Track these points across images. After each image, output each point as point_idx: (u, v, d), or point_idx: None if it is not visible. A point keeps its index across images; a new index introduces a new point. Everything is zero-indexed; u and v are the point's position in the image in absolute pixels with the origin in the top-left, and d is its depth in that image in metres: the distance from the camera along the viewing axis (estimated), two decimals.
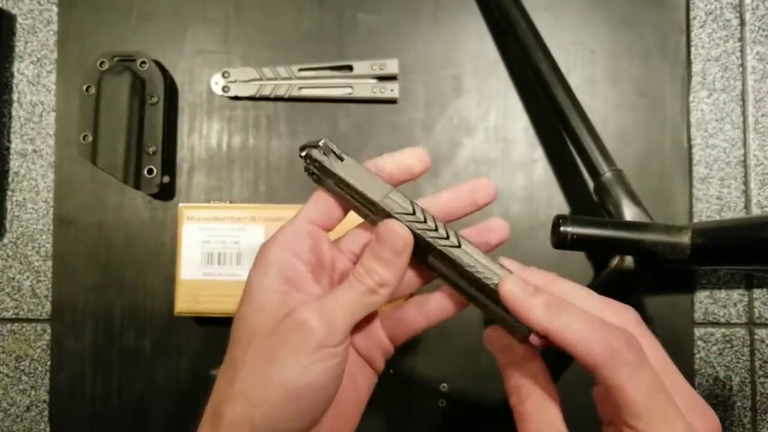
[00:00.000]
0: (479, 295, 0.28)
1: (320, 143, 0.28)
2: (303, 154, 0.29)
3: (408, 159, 0.29)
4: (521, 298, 0.26)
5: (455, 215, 0.30)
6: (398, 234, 0.27)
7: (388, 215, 0.28)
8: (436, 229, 0.28)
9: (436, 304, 0.30)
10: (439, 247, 0.27)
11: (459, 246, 0.27)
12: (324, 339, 0.25)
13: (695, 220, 0.53)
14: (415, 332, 0.31)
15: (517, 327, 0.27)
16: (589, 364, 0.24)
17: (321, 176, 0.29)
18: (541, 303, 0.25)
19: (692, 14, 0.55)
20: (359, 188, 0.28)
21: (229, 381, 0.26)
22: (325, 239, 0.29)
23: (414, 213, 0.28)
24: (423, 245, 0.28)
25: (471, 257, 0.27)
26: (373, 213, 0.28)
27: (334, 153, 0.28)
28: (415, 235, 0.28)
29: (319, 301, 0.26)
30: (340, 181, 0.28)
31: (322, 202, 0.29)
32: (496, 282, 0.27)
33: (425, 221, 0.28)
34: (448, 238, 0.27)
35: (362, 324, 0.30)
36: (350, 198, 0.28)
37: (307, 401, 0.26)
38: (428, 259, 0.28)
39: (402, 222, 0.27)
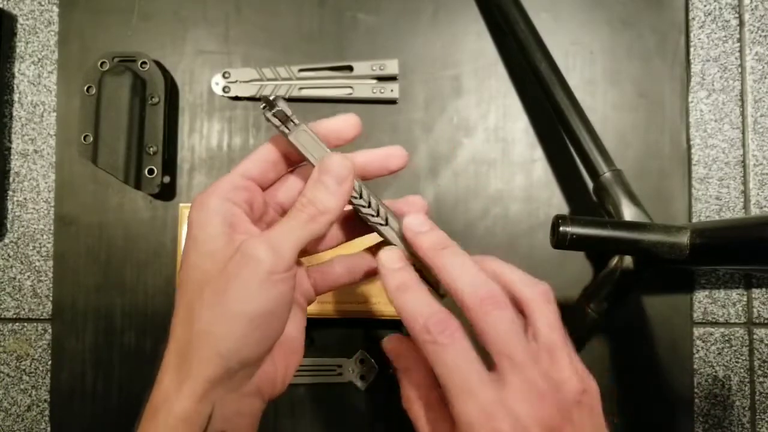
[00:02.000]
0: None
1: (277, 107, 0.30)
2: (263, 111, 0.31)
3: (337, 124, 0.31)
4: (414, 232, 0.30)
5: (367, 177, 0.32)
6: (342, 163, 0.29)
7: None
8: (360, 197, 0.31)
9: (361, 261, 0.33)
10: (367, 219, 0.31)
11: (386, 224, 0.31)
12: (272, 266, 0.27)
13: (694, 220, 0.53)
14: (337, 284, 0.34)
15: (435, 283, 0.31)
16: (458, 303, 0.28)
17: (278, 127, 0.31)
18: (430, 239, 0.30)
19: (691, 15, 0.55)
20: (303, 152, 0.30)
21: (188, 324, 0.28)
22: (258, 193, 0.31)
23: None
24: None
25: (393, 232, 0.31)
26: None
27: (287, 116, 0.30)
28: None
29: (264, 234, 0.28)
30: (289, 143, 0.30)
31: (260, 160, 0.31)
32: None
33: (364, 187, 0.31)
34: (374, 209, 0.31)
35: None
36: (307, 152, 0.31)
37: (265, 326, 0.28)
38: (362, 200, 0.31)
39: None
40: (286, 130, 0.30)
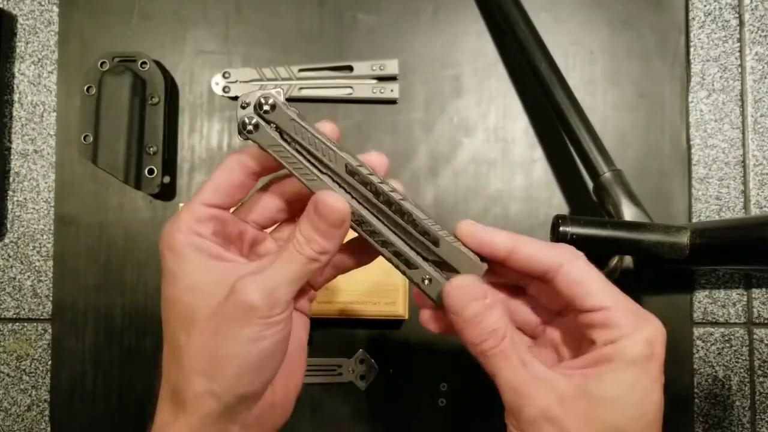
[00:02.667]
0: (412, 253, 0.29)
1: (280, 101, 0.28)
2: (256, 101, 0.28)
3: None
4: (482, 228, 0.28)
5: None
6: (335, 207, 0.27)
7: (336, 174, 0.28)
8: (385, 183, 0.28)
9: (346, 256, 0.31)
10: (390, 197, 0.28)
11: (405, 198, 0.28)
12: (268, 312, 0.26)
13: (694, 220, 0.53)
14: (329, 279, 0.32)
15: (441, 277, 0.29)
16: (553, 264, 0.28)
17: (262, 131, 0.28)
18: (500, 231, 0.29)
19: (691, 15, 0.55)
20: (314, 147, 0.28)
21: (179, 362, 0.27)
22: (228, 218, 0.29)
23: (362, 166, 0.28)
24: (369, 202, 0.28)
25: (420, 209, 0.28)
26: (321, 171, 0.28)
27: (287, 106, 0.28)
28: (362, 192, 0.28)
29: (259, 275, 0.27)
30: (292, 139, 0.28)
31: (222, 186, 0.29)
32: (438, 232, 0.28)
33: (373, 174, 0.28)
34: (395, 190, 0.28)
35: None
36: (293, 156, 0.28)
37: (260, 368, 0.27)
38: (366, 223, 0.29)
39: (346, 182, 0.28)
40: (281, 145, 0.28)
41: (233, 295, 0.26)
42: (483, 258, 0.29)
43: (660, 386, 0.27)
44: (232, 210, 0.30)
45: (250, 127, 0.28)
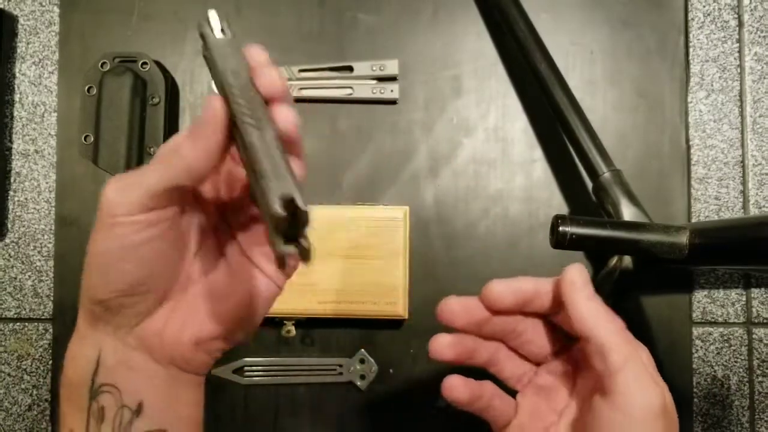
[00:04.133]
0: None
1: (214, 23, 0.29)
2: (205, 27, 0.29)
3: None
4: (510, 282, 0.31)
5: None
6: (210, 104, 0.27)
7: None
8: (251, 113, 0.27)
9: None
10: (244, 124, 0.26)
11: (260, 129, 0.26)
12: (114, 208, 0.26)
13: (693, 220, 0.54)
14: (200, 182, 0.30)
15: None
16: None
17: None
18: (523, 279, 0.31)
19: (691, 15, 0.55)
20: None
21: None
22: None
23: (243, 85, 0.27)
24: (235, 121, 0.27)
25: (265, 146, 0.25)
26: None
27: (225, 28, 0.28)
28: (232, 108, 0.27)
29: (121, 178, 0.27)
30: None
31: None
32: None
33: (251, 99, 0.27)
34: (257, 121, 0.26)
35: (249, 230, 0.31)
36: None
37: (113, 266, 0.27)
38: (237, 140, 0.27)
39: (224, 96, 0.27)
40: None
41: (102, 194, 0.27)
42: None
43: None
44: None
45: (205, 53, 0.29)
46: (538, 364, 0.34)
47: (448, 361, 0.32)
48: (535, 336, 0.32)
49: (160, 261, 0.28)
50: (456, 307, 0.31)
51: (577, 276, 0.29)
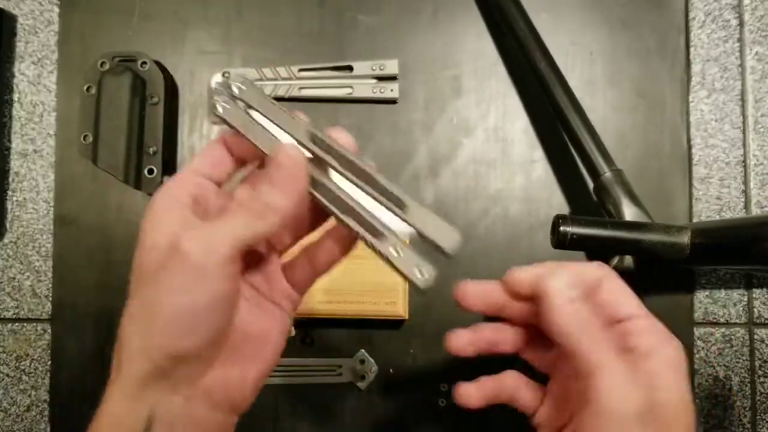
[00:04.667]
0: (379, 223, 0.27)
1: (239, 83, 0.29)
2: (225, 83, 0.29)
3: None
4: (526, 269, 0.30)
5: None
6: (291, 155, 0.27)
7: (302, 144, 0.28)
8: (345, 150, 0.28)
9: (324, 250, 0.31)
10: (353, 162, 0.27)
11: (369, 166, 0.27)
12: (201, 261, 0.26)
13: (695, 220, 0.53)
14: (310, 279, 0.31)
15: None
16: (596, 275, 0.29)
17: (232, 110, 0.29)
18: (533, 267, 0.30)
19: (691, 15, 0.55)
20: (281, 121, 0.28)
21: (125, 326, 0.27)
22: (210, 189, 0.29)
23: (323, 133, 0.28)
24: (332, 169, 0.28)
25: (385, 178, 0.27)
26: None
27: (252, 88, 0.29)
28: (326, 161, 0.28)
29: (202, 228, 0.27)
30: (259, 113, 0.29)
31: (212, 154, 0.30)
32: (404, 196, 0.27)
33: (335, 142, 0.28)
34: (357, 157, 0.28)
35: (263, 269, 0.31)
36: (262, 132, 0.28)
37: (192, 324, 0.26)
38: (327, 190, 0.28)
39: (304, 147, 0.28)
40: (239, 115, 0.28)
41: (174, 246, 0.26)
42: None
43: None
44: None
45: (219, 109, 0.29)
46: None
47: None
48: None
49: (235, 308, 0.29)
50: (471, 291, 0.31)
51: (553, 283, 0.29)
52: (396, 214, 0.27)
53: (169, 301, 0.26)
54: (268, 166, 0.27)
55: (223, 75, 0.54)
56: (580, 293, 0.29)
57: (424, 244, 0.27)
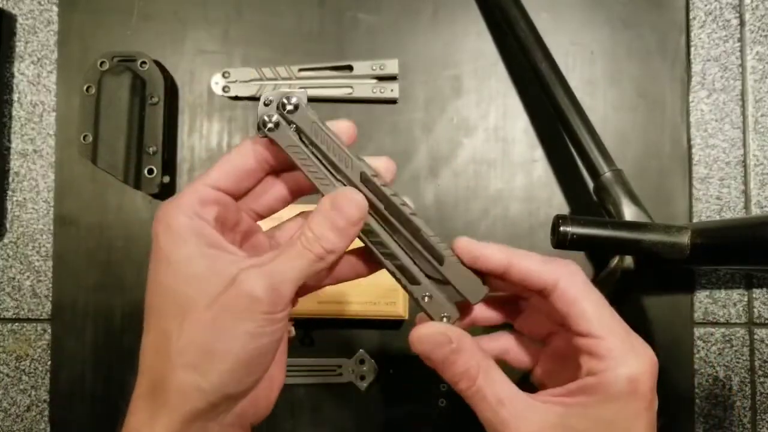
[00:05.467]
0: (415, 269, 0.29)
1: (303, 102, 0.28)
2: (280, 100, 0.28)
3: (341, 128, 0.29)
4: (478, 244, 0.28)
5: None
6: (356, 201, 0.27)
7: (350, 181, 0.28)
8: (396, 196, 0.28)
9: (346, 265, 0.30)
10: (401, 210, 0.28)
11: (415, 214, 0.28)
12: (271, 308, 0.25)
13: (695, 220, 0.53)
14: (324, 285, 0.31)
15: (446, 300, 0.29)
16: (549, 281, 0.27)
17: (282, 130, 0.28)
18: (496, 246, 0.28)
19: (692, 14, 0.55)
20: (332, 152, 0.28)
21: (164, 354, 0.26)
22: (230, 204, 0.28)
23: (376, 176, 0.28)
24: (379, 213, 0.28)
25: (427, 226, 0.29)
26: (334, 176, 0.28)
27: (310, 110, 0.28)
28: (373, 202, 0.28)
29: (264, 268, 0.26)
30: (311, 142, 0.28)
31: (234, 169, 0.28)
32: (444, 251, 0.29)
33: (386, 186, 0.28)
34: (405, 204, 0.28)
35: None
36: (310, 158, 0.28)
37: (253, 366, 0.26)
38: (375, 234, 0.28)
39: (359, 190, 0.28)
40: (299, 146, 0.28)
41: (236, 287, 0.25)
42: (485, 281, 0.29)
43: (646, 422, 0.26)
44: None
45: (270, 125, 0.28)
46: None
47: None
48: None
49: None
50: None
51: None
52: (433, 266, 0.29)
53: (232, 349, 0.25)
54: (327, 206, 0.27)
55: (223, 75, 0.54)
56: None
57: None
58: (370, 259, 0.29)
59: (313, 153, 0.28)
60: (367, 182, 0.28)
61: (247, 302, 0.25)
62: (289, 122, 0.28)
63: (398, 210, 0.28)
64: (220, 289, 0.25)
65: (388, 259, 0.28)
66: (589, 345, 0.26)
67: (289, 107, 0.28)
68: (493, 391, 0.27)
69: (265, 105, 0.28)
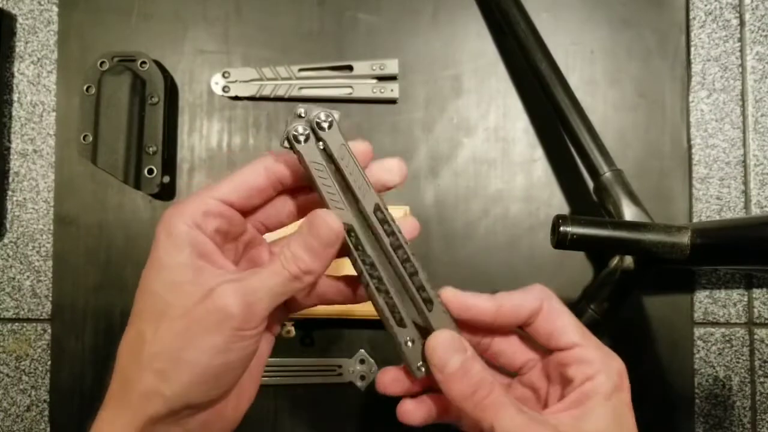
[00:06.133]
0: (404, 312, 0.28)
1: (336, 121, 0.28)
2: (315, 115, 0.28)
3: (381, 174, 0.29)
4: (466, 295, 0.29)
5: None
6: (330, 225, 0.27)
7: (363, 210, 0.28)
8: (401, 234, 0.28)
9: (331, 288, 0.30)
10: (405, 249, 0.28)
11: (415, 254, 0.28)
12: (242, 324, 0.25)
13: (695, 220, 0.53)
14: (305, 306, 0.31)
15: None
16: (535, 306, 0.29)
17: (309, 146, 0.28)
18: (482, 296, 0.29)
19: (692, 14, 0.55)
20: (352, 178, 0.28)
21: (136, 355, 0.26)
22: (234, 218, 0.28)
23: (389, 223, 0.28)
24: (382, 249, 0.28)
25: (424, 270, 0.28)
26: (348, 202, 0.28)
27: (340, 129, 0.28)
28: (379, 237, 0.28)
29: (240, 284, 0.26)
30: (334, 162, 0.28)
31: (246, 186, 0.28)
32: (434, 298, 0.28)
33: (395, 222, 0.28)
34: (407, 243, 0.28)
35: None
36: (329, 178, 0.28)
37: (218, 380, 0.26)
38: (373, 267, 0.28)
39: (370, 222, 0.28)
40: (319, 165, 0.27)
41: (210, 299, 0.25)
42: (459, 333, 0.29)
43: (632, 411, 0.28)
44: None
45: (300, 138, 0.27)
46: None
47: (417, 424, 0.31)
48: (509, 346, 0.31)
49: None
50: (406, 409, 0.30)
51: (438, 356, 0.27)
52: (420, 311, 0.28)
53: (198, 360, 0.25)
54: (305, 227, 0.27)
55: (223, 75, 0.54)
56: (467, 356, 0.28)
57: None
58: (362, 290, 0.29)
59: (333, 174, 0.28)
60: (377, 213, 0.28)
61: (219, 316, 0.25)
62: (318, 138, 0.28)
63: (402, 247, 0.28)
64: (196, 300, 0.25)
65: (382, 296, 0.28)
66: (576, 354, 0.28)
67: (324, 124, 0.28)
68: (511, 398, 0.27)
69: (299, 117, 0.28)
